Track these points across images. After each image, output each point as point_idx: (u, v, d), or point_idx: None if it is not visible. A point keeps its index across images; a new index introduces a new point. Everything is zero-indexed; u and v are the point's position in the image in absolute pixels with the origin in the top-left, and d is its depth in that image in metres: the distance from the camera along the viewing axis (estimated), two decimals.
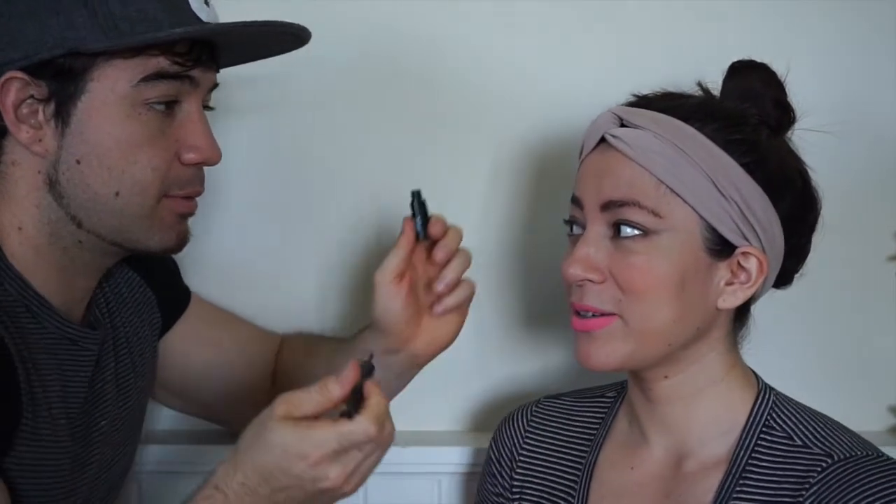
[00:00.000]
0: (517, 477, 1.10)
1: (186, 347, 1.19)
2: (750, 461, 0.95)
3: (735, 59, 1.01)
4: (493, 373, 1.35)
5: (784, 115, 0.98)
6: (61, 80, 0.91)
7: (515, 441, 1.12)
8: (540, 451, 1.10)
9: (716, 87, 1.00)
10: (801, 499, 0.91)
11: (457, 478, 1.31)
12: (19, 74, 0.90)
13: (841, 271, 1.29)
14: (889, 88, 1.28)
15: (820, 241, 1.02)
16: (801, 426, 0.96)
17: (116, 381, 1.06)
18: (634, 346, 0.94)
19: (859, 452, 0.92)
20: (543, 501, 1.06)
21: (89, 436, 1.02)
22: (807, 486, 0.91)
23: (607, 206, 0.94)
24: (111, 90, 0.91)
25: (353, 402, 0.83)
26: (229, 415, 1.25)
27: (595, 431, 1.07)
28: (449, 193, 1.30)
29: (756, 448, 0.96)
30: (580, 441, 1.07)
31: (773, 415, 0.97)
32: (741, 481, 0.95)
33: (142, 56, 0.91)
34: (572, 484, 1.05)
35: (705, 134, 0.93)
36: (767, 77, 0.99)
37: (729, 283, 0.95)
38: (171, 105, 0.95)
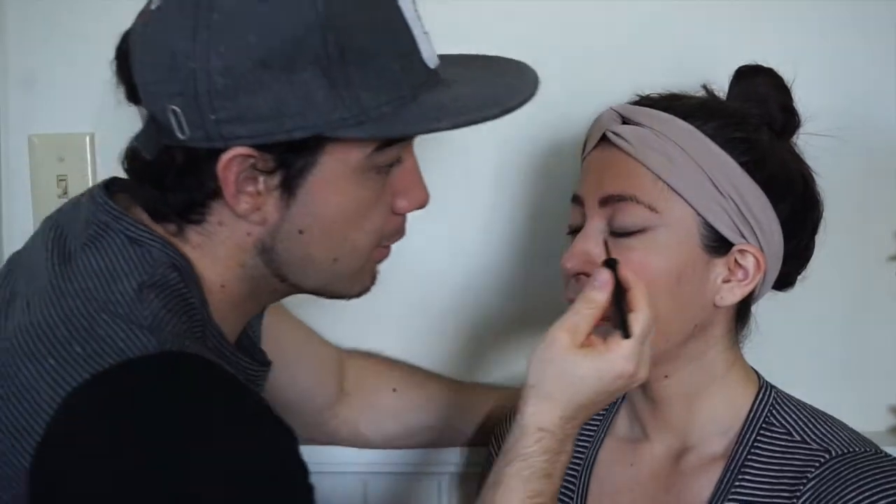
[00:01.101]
0: None
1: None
2: (749, 457, 0.95)
3: (741, 64, 1.02)
4: (494, 374, 1.35)
5: (790, 120, 0.99)
6: (291, 155, 0.82)
7: None
8: None
9: (721, 92, 1.01)
10: (798, 493, 0.92)
11: (457, 478, 1.31)
12: (246, 151, 0.81)
13: (841, 271, 1.28)
14: (889, 89, 1.28)
15: (820, 241, 1.02)
16: (800, 422, 0.97)
17: None
18: None
19: (857, 449, 0.92)
20: None
21: None
22: (804, 480, 0.92)
23: (606, 200, 0.94)
24: (344, 162, 0.84)
25: (616, 300, 0.88)
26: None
27: (595, 429, 1.07)
28: (452, 195, 1.31)
29: (755, 444, 0.96)
30: (580, 438, 1.07)
31: (774, 412, 0.98)
32: (740, 476, 0.95)
33: None
34: (572, 480, 1.05)
35: (705, 132, 0.93)
36: (773, 81, 1.00)
37: (726, 281, 0.95)
38: (393, 164, 0.88)
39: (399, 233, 0.93)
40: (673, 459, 1.00)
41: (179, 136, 0.81)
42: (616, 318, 0.88)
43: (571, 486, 1.05)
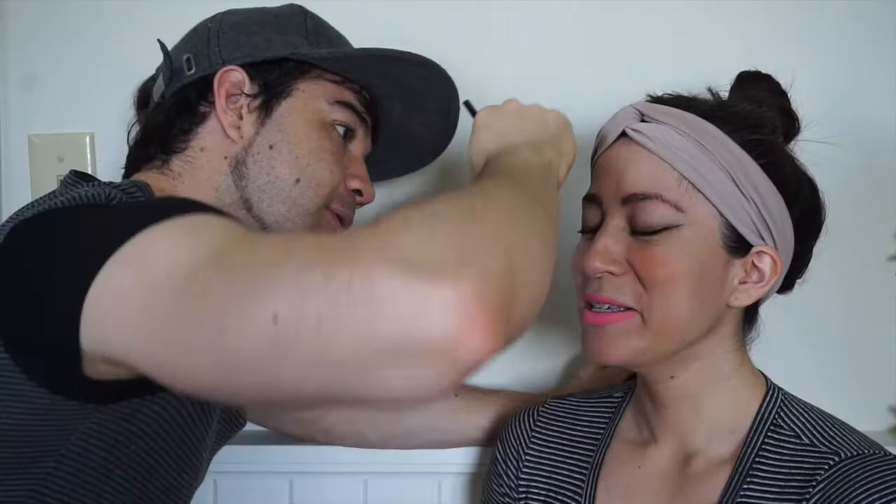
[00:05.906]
0: (523, 476, 1.10)
1: None
2: (757, 459, 0.95)
3: (741, 70, 1.03)
4: (497, 374, 1.35)
5: (790, 124, 1.00)
6: (273, 82, 1.04)
7: (522, 441, 1.12)
8: (546, 450, 1.10)
9: (723, 95, 1.02)
10: (807, 495, 0.91)
11: (457, 478, 1.31)
12: (238, 69, 1.03)
13: (841, 271, 1.29)
14: (888, 91, 1.29)
15: (820, 242, 1.02)
16: (808, 425, 0.96)
17: None
18: (649, 342, 0.94)
19: (867, 451, 0.92)
20: (550, 501, 1.06)
21: None
22: (814, 483, 0.91)
23: (628, 199, 0.94)
24: (312, 99, 1.05)
25: None
26: (279, 422, 1.28)
27: (602, 431, 1.07)
28: None
29: (763, 446, 0.96)
30: (587, 440, 1.07)
31: (781, 414, 0.97)
32: (748, 479, 0.95)
33: (340, 86, 1.07)
34: (579, 483, 1.05)
35: (726, 132, 0.94)
36: (773, 86, 1.01)
37: (742, 282, 0.95)
38: (347, 135, 1.09)
39: (349, 206, 1.09)
40: (681, 462, 1.00)
41: (188, 73, 1.04)
42: None
43: (579, 489, 1.05)
